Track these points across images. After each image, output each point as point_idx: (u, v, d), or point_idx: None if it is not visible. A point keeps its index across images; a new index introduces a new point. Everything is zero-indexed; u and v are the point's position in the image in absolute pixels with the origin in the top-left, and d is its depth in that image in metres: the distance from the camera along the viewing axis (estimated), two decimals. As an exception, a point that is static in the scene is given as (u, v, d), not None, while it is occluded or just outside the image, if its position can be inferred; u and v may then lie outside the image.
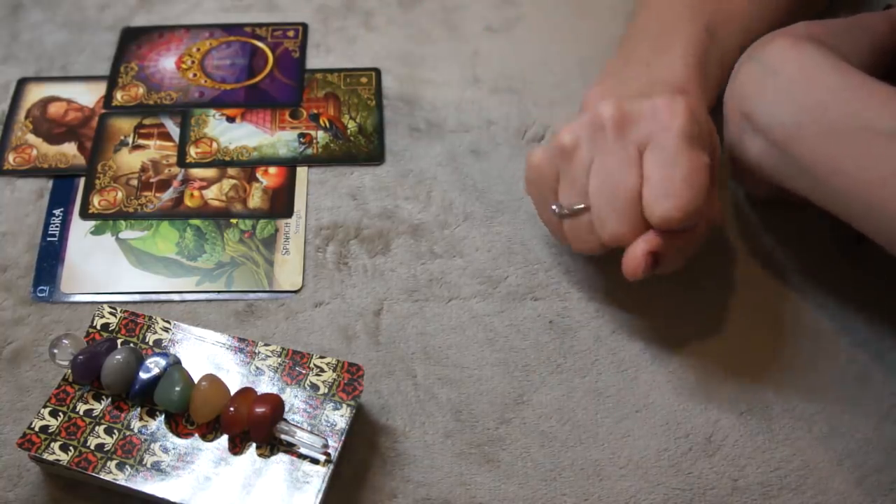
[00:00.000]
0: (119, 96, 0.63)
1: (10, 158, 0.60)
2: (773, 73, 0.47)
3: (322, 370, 0.48)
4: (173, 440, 0.46)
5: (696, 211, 0.46)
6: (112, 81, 0.64)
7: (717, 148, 0.50)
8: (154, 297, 0.54)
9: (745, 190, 0.57)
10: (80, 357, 0.47)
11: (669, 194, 0.46)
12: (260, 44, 0.67)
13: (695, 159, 0.46)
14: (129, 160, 0.60)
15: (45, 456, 0.45)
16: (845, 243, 0.55)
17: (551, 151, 0.49)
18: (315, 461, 0.45)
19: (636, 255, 0.47)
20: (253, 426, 0.45)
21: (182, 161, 0.60)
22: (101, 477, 0.44)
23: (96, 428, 0.46)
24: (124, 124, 0.62)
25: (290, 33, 0.68)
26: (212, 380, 0.46)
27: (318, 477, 0.44)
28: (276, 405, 0.45)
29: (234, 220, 0.57)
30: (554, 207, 0.50)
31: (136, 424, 0.46)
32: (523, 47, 0.67)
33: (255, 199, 0.58)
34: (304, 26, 0.68)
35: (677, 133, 0.47)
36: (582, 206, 0.48)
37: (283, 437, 0.45)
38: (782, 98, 0.46)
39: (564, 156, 0.49)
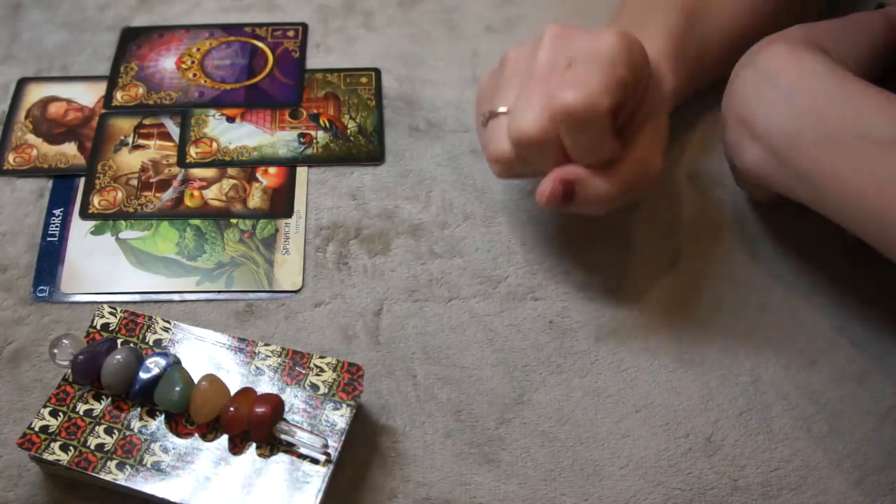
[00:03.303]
0: (119, 96, 0.63)
1: (10, 158, 0.60)
2: (770, 80, 0.47)
3: (322, 370, 0.48)
4: (173, 440, 0.46)
5: (600, 108, 0.45)
6: (112, 81, 0.64)
7: (654, 86, 0.49)
8: (154, 297, 0.54)
9: (744, 191, 0.57)
10: (80, 357, 0.47)
11: (577, 83, 0.45)
12: (260, 44, 0.67)
13: (612, 67, 0.46)
14: (129, 160, 0.60)
15: (45, 456, 0.45)
16: (845, 244, 0.55)
17: (498, 64, 0.51)
18: (315, 461, 0.45)
19: (548, 179, 0.47)
20: (253, 426, 0.45)
21: (182, 161, 0.60)
22: (101, 477, 0.44)
23: (96, 428, 0.46)
24: (124, 124, 0.62)
25: (290, 33, 0.68)
26: (212, 380, 0.46)
27: (318, 477, 0.44)
28: (276, 405, 0.45)
29: (234, 220, 0.57)
30: (481, 115, 0.50)
31: (136, 424, 0.46)
32: (523, 47, 0.67)
33: (255, 199, 0.58)
34: (304, 26, 0.68)
35: (604, 46, 0.46)
36: (503, 109, 0.48)
37: (283, 437, 0.45)
38: (780, 105, 0.46)
39: (503, 67, 0.50)
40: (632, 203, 0.50)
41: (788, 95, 0.46)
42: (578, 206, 0.48)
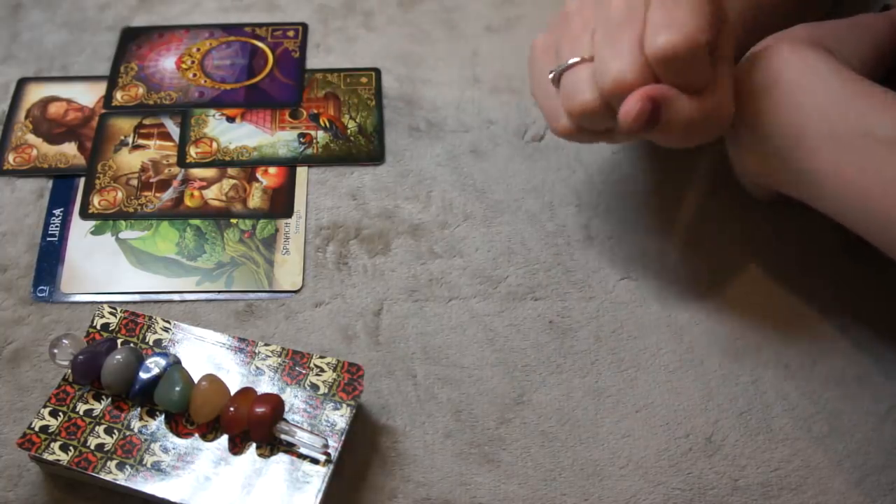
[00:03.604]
0: (119, 96, 0.63)
1: (10, 158, 0.60)
2: (772, 78, 0.47)
3: (322, 370, 0.48)
4: (173, 440, 0.46)
5: (699, 46, 0.43)
6: (112, 81, 0.64)
7: (727, 21, 0.47)
8: (154, 297, 0.54)
9: (747, 190, 0.57)
10: (80, 357, 0.47)
11: (671, 24, 0.43)
12: (260, 44, 0.67)
13: (698, 2, 0.44)
14: (129, 160, 0.60)
15: (45, 456, 0.45)
16: (847, 243, 0.55)
17: (555, 20, 0.48)
18: (315, 461, 0.45)
19: (634, 97, 0.44)
20: (253, 426, 0.45)
21: (182, 161, 0.60)
22: (101, 477, 0.44)
23: (96, 428, 0.46)
24: (124, 124, 0.62)
25: (290, 33, 0.68)
26: (212, 380, 0.46)
27: (318, 477, 0.44)
28: (276, 405, 0.45)
29: (234, 220, 0.57)
30: (551, 72, 0.47)
31: (136, 424, 0.46)
32: (523, 47, 0.66)
33: (255, 199, 0.58)
34: (304, 26, 0.68)
35: None
36: (578, 59, 0.46)
37: (283, 437, 0.45)
38: (782, 104, 0.46)
39: (566, 20, 0.47)
40: (705, 140, 0.48)
41: (791, 93, 0.46)
42: (660, 130, 0.45)
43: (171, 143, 0.61)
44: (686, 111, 0.45)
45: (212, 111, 0.63)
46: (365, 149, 0.61)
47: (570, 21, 0.47)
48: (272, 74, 0.65)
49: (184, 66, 0.65)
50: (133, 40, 0.67)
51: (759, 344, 0.52)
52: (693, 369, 0.51)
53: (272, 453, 0.45)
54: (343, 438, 0.46)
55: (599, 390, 0.50)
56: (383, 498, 0.46)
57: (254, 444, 0.46)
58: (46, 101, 0.63)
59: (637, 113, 0.44)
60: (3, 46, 0.66)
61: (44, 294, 0.54)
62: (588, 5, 0.47)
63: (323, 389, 0.47)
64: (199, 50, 0.66)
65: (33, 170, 0.59)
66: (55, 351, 0.47)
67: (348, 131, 0.61)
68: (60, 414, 0.46)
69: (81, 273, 0.55)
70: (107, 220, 0.57)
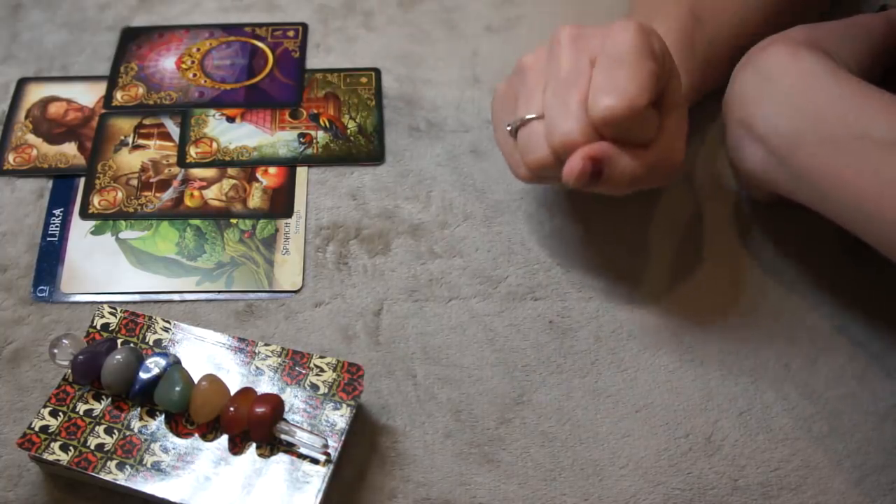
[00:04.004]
0: (119, 96, 0.63)
1: (10, 158, 0.60)
2: (770, 80, 0.47)
3: (322, 370, 0.48)
4: (173, 440, 0.46)
5: (638, 109, 0.45)
6: (112, 81, 0.64)
7: (674, 74, 0.49)
8: (154, 297, 0.54)
9: (746, 192, 0.57)
10: (80, 357, 0.47)
11: (612, 90, 0.45)
12: (260, 44, 0.67)
13: (641, 62, 0.46)
14: (129, 160, 0.60)
15: (45, 456, 0.45)
16: (846, 243, 0.55)
17: (513, 73, 0.51)
18: (315, 461, 0.45)
19: (577, 157, 0.46)
20: (253, 426, 0.45)
21: (182, 161, 0.60)
22: (101, 477, 0.44)
23: (96, 428, 0.46)
24: (124, 124, 0.62)
25: (290, 33, 0.68)
26: (212, 380, 0.46)
27: (318, 477, 0.44)
28: (276, 405, 0.45)
29: (234, 220, 0.57)
30: (508, 125, 0.50)
31: (136, 424, 0.46)
32: (523, 47, 0.66)
33: (255, 199, 0.58)
34: (304, 26, 0.68)
35: (626, 41, 0.46)
36: (533, 115, 0.48)
37: (283, 437, 0.45)
38: (780, 106, 0.46)
39: (523, 75, 0.50)
40: (652, 187, 0.50)
41: (789, 96, 0.46)
42: (605, 185, 0.47)
43: (171, 143, 0.61)
44: (628, 167, 0.47)
45: (212, 111, 0.63)
46: (365, 149, 0.61)
47: (526, 75, 0.50)
48: (272, 74, 0.65)
49: (184, 66, 0.65)
50: (133, 40, 0.67)
51: (759, 344, 0.52)
52: (693, 369, 0.51)
53: (272, 453, 0.45)
54: (343, 438, 0.46)
55: (599, 390, 0.50)
56: (383, 498, 0.46)
57: (254, 444, 0.46)
58: (46, 101, 0.63)
59: (579, 171, 0.46)
60: (3, 46, 0.66)
61: (44, 294, 0.54)
62: (541, 61, 0.49)
63: (323, 389, 0.47)
64: (199, 50, 0.66)
65: (33, 170, 0.59)
66: (55, 351, 0.47)
67: (348, 131, 0.61)
68: (60, 414, 0.46)
69: (81, 273, 0.55)
70: (107, 220, 0.57)
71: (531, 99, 0.49)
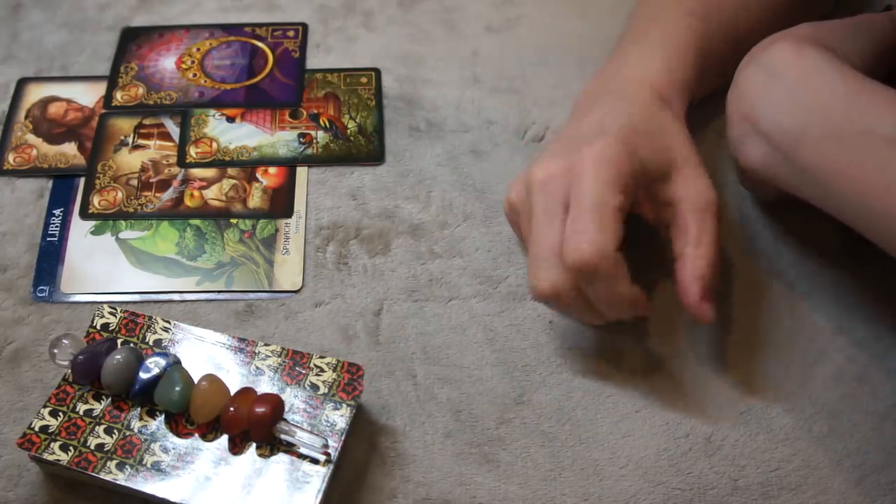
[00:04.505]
0: (119, 96, 0.63)
1: (10, 158, 0.60)
2: (775, 76, 0.47)
3: (322, 370, 0.48)
4: (173, 440, 0.46)
5: (604, 252, 0.46)
6: (112, 81, 0.64)
7: (664, 149, 0.50)
8: (154, 297, 0.54)
9: (748, 191, 0.57)
10: (80, 357, 0.47)
11: (575, 236, 0.46)
12: (260, 44, 0.67)
13: (601, 199, 0.47)
14: (129, 160, 0.60)
15: (45, 456, 0.45)
16: (847, 243, 0.55)
17: (507, 203, 0.53)
18: (315, 461, 0.45)
19: (702, 305, 0.48)
20: (253, 426, 0.45)
21: (182, 161, 0.60)
22: (101, 477, 0.44)
23: (96, 428, 0.46)
24: (124, 124, 0.62)
25: (290, 33, 0.68)
26: (212, 380, 0.46)
27: (318, 477, 0.44)
28: (276, 405, 0.45)
29: (234, 220, 0.57)
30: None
31: (136, 424, 0.46)
32: (523, 47, 0.67)
33: (255, 199, 0.58)
34: (304, 26, 0.68)
35: (585, 180, 0.47)
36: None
37: (283, 437, 0.45)
38: (785, 102, 0.46)
39: (514, 212, 0.52)
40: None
41: (793, 92, 0.46)
42: (574, 314, 0.51)
43: (171, 143, 0.61)
44: (596, 307, 0.49)
45: (212, 111, 0.63)
46: (365, 149, 0.61)
47: (516, 215, 0.52)
48: (272, 74, 0.65)
49: (184, 66, 0.65)
50: (133, 40, 0.67)
51: (759, 344, 0.52)
52: (693, 369, 0.51)
53: (272, 453, 0.45)
54: (343, 438, 0.46)
55: (599, 390, 0.50)
56: (383, 498, 0.46)
57: (254, 444, 0.46)
58: (46, 101, 0.63)
59: (709, 316, 0.48)
60: (3, 46, 0.66)
61: (44, 294, 0.54)
62: (523, 199, 0.50)
63: (323, 389, 0.47)
64: (199, 50, 0.66)
65: (33, 170, 0.59)
66: (55, 351, 0.47)
67: (348, 131, 0.61)
68: (60, 414, 0.46)
69: (81, 273, 0.55)
70: (107, 220, 0.57)
71: (521, 235, 0.52)
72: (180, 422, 0.46)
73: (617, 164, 0.48)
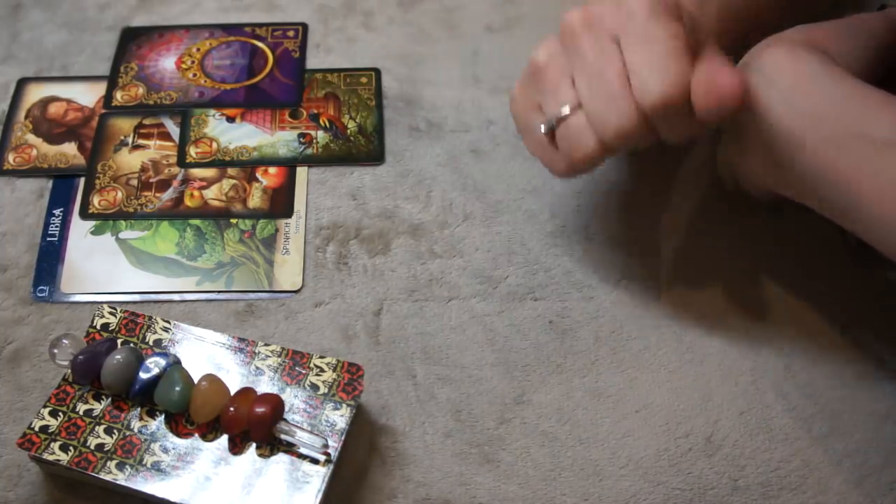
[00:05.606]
0: (119, 96, 0.63)
1: (10, 158, 0.60)
2: (769, 81, 0.47)
3: (322, 370, 0.48)
4: (173, 440, 0.46)
5: (688, 86, 0.44)
6: (112, 81, 0.64)
7: (699, 25, 0.47)
8: (154, 297, 0.54)
9: (747, 192, 0.57)
10: (80, 357, 0.47)
11: (657, 74, 0.44)
12: (260, 44, 0.67)
13: (668, 31, 0.45)
14: (129, 160, 0.60)
15: (45, 456, 0.45)
16: (846, 244, 0.55)
17: (527, 73, 0.49)
18: (315, 461, 0.45)
19: (733, 74, 0.44)
20: (253, 426, 0.45)
21: (182, 161, 0.60)
22: (101, 477, 0.44)
23: (96, 428, 0.46)
24: (124, 124, 0.62)
25: (290, 33, 0.68)
26: (212, 380, 0.46)
27: (318, 477, 0.44)
28: (276, 405, 0.45)
29: (234, 220, 0.57)
30: (541, 125, 0.48)
31: (136, 424, 0.46)
32: (523, 47, 0.66)
33: (255, 199, 0.58)
34: (304, 26, 0.68)
35: (642, 13, 0.45)
36: (568, 111, 0.47)
37: (283, 437, 0.45)
38: (780, 107, 0.46)
39: (541, 72, 0.48)
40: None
41: (788, 97, 0.46)
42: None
43: (171, 143, 0.61)
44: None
45: (212, 111, 0.63)
46: (365, 149, 0.61)
47: (545, 73, 0.48)
48: (272, 74, 0.65)
49: (184, 66, 0.65)
50: (133, 40, 0.67)
51: (759, 344, 0.52)
52: (693, 369, 0.51)
53: (272, 453, 0.45)
54: (343, 438, 0.46)
55: (599, 390, 0.50)
56: (383, 498, 0.46)
57: (254, 444, 0.46)
58: (46, 101, 0.63)
59: (736, 103, 0.44)
60: (3, 46, 0.66)
61: (44, 294, 0.54)
62: (556, 53, 0.48)
63: (323, 389, 0.47)
64: (199, 50, 0.66)
65: (33, 170, 0.59)
66: (55, 351, 0.47)
67: (348, 131, 0.61)
68: (60, 414, 0.46)
69: (81, 273, 0.55)
70: (107, 220, 0.57)
71: (559, 94, 0.47)
72: (180, 422, 0.46)
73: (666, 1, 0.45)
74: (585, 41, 0.46)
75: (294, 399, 0.47)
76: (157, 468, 0.45)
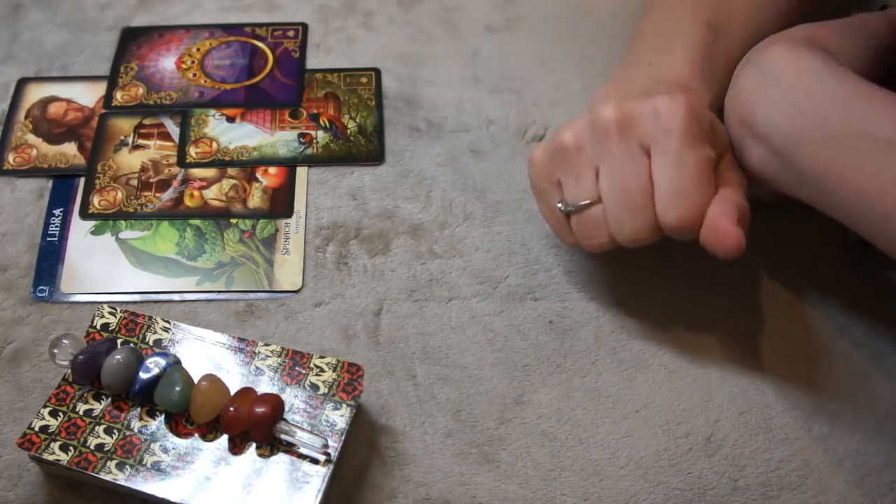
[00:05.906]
0: (119, 96, 0.63)
1: (10, 158, 0.60)
2: (772, 79, 0.47)
3: (322, 370, 0.48)
4: (173, 440, 0.46)
5: (701, 213, 0.46)
6: (112, 81, 0.64)
7: (724, 141, 0.49)
8: (154, 297, 0.54)
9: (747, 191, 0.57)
10: (80, 357, 0.47)
11: (679, 200, 0.46)
12: (260, 44, 0.67)
13: (700, 158, 0.46)
14: (129, 160, 0.60)
15: (45, 456, 0.45)
16: (846, 244, 0.55)
17: (552, 149, 0.50)
18: (315, 461, 0.45)
19: (729, 236, 0.46)
20: (253, 426, 0.45)
21: (182, 161, 0.60)
22: (101, 477, 0.44)
23: (96, 428, 0.46)
24: (124, 124, 0.62)
25: (290, 33, 0.68)
26: (212, 380, 0.46)
27: (318, 477, 0.44)
28: (276, 405, 0.45)
29: (234, 220, 0.57)
30: (559, 205, 0.50)
31: (136, 424, 0.46)
32: (523, 47, 0.67)
33: (255, 199, 0.58)
34: (304, 26, 0.68)
35: (678, 134, 0.46)
36: (587, 201, 0.48)
37: (283, 437, 0.45)
38: (781, 105, 0.46)
39: (566, 154, 0.49)
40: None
41: (790, 95, 0.46)
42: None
43: (171, 143, 0.61)
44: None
45: (212, 111, 0.63)
46: (365, 149, 0.61)
47: (570, 156, 0.49)
48: (272, 74, 0.65)
49: (184, 66, 0.65)
50: (133, 40, 0.67)
51: (759, 344, 0.52)
52: (693, 369, 0.51)
53: (272, 453, 0.45)
54: (343, 438, 0.46)
55: (599, 390, 0.50)
56: (383, 498, 0.46)
57: (254, 444, 0.46)
58: (46, 101, 0.63)
59: (737, 246, 0.46)
60: (3, 46, 0.66)
61: (44, 294, 0.54)
62: (585, 140, 0.48)
63: (323, 389, 0.47)
64: (199, 50, 0.66)
65: (33, 170, 0.59)
66: (55, 351, 0.47)
67: (348, 131, 0.61)
68: (60, 414, 0.46)
69: (81, 273, 0.55)
70: (107, 220, 0.57)
71: (581, 183, 0.48)
72: (180, 422, 0.46)
73: (703, 120, 0.47)
74: (616, 142, 0.47)
75: (294, 399, 0.47)
76: (157, 468, 0.45)
